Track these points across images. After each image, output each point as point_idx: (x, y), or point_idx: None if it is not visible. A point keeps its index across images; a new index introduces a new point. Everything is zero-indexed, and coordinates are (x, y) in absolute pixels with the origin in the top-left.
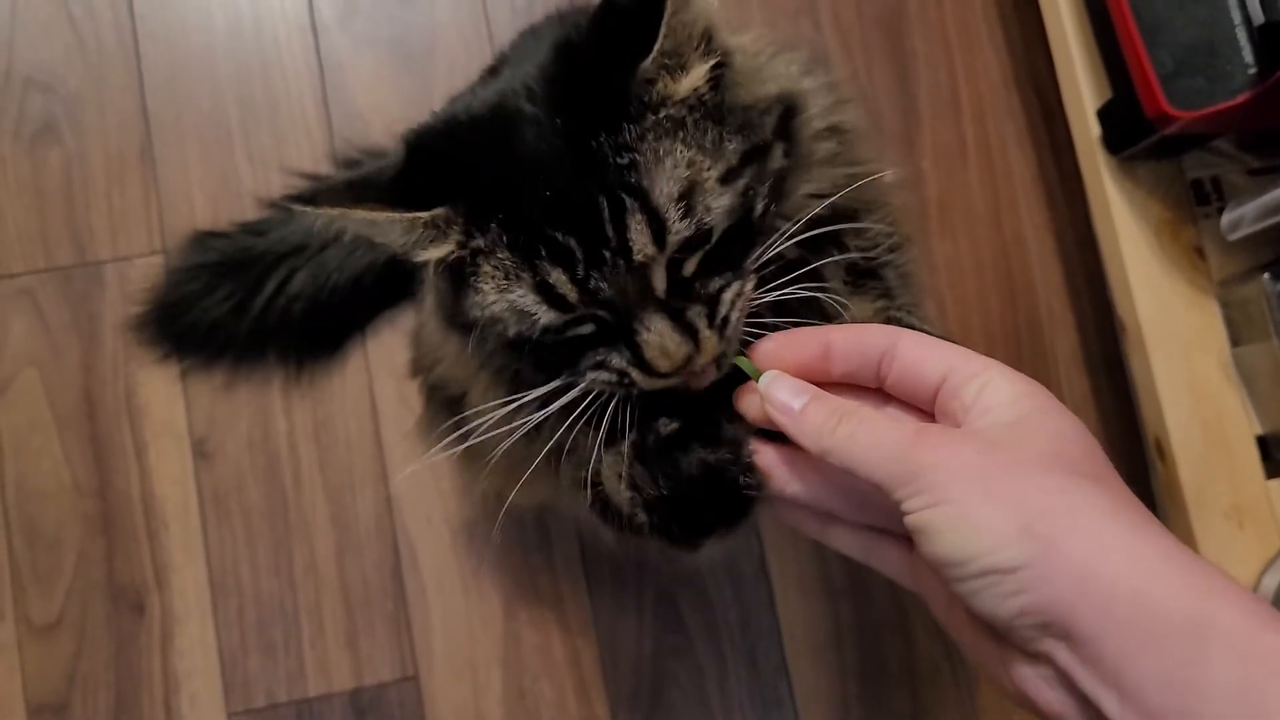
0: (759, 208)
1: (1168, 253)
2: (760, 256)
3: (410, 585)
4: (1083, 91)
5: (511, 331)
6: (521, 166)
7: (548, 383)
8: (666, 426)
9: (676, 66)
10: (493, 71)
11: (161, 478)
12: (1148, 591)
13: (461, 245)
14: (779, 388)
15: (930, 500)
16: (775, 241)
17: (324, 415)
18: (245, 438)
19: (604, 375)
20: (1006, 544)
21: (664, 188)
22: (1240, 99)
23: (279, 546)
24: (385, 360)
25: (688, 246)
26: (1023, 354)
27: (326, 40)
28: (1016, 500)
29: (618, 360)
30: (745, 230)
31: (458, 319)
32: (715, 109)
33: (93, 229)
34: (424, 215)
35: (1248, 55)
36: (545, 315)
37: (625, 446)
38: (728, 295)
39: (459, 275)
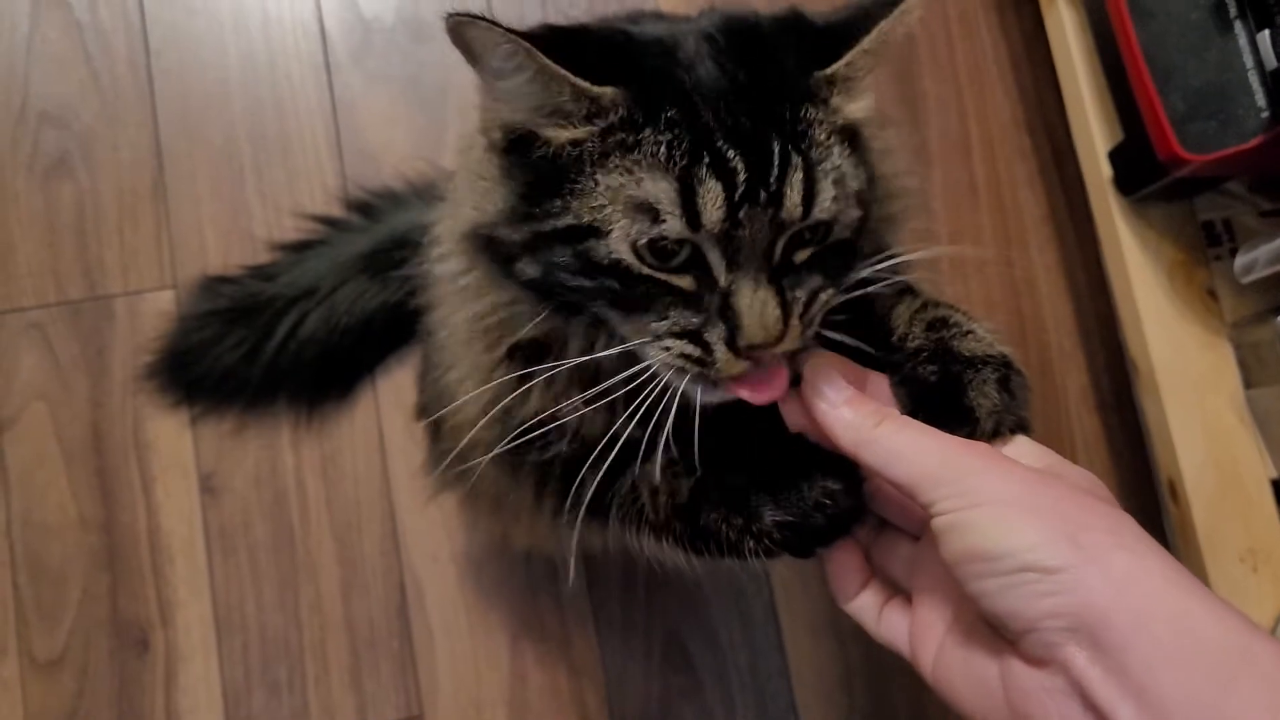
0: (861, 235)
1: (1180, 294)
2: (852, 283)
3: (416, 624)
4: (1094, 133)
5: (610, 240)
6: (700, 86)
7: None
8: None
9: (849, 90)
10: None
11: (168, 513)
12: (1189, 614)
13: (603, 134)
14: (824, 376)
15: (971, 501)
16: (859, 278)
17: (332, 450)
18: (252, 473)
19: (683, 346)
20: (1049, 545)
21: (826, 167)
22: (1253, 143)
23: (285, 583)
24: (394, 395)
25: (815, 232)
26: (1033, 393)
27: (340, 78)
28: (1062, 513)
29: (710, 333)
30: (848, 251)
31: (528, 223)
32: (858, 139)
33: (104, 263)
34: (596, 90)
35: (1260, 99)
36: (673, 223)
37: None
38: (823, 296)
39: (559, 172)
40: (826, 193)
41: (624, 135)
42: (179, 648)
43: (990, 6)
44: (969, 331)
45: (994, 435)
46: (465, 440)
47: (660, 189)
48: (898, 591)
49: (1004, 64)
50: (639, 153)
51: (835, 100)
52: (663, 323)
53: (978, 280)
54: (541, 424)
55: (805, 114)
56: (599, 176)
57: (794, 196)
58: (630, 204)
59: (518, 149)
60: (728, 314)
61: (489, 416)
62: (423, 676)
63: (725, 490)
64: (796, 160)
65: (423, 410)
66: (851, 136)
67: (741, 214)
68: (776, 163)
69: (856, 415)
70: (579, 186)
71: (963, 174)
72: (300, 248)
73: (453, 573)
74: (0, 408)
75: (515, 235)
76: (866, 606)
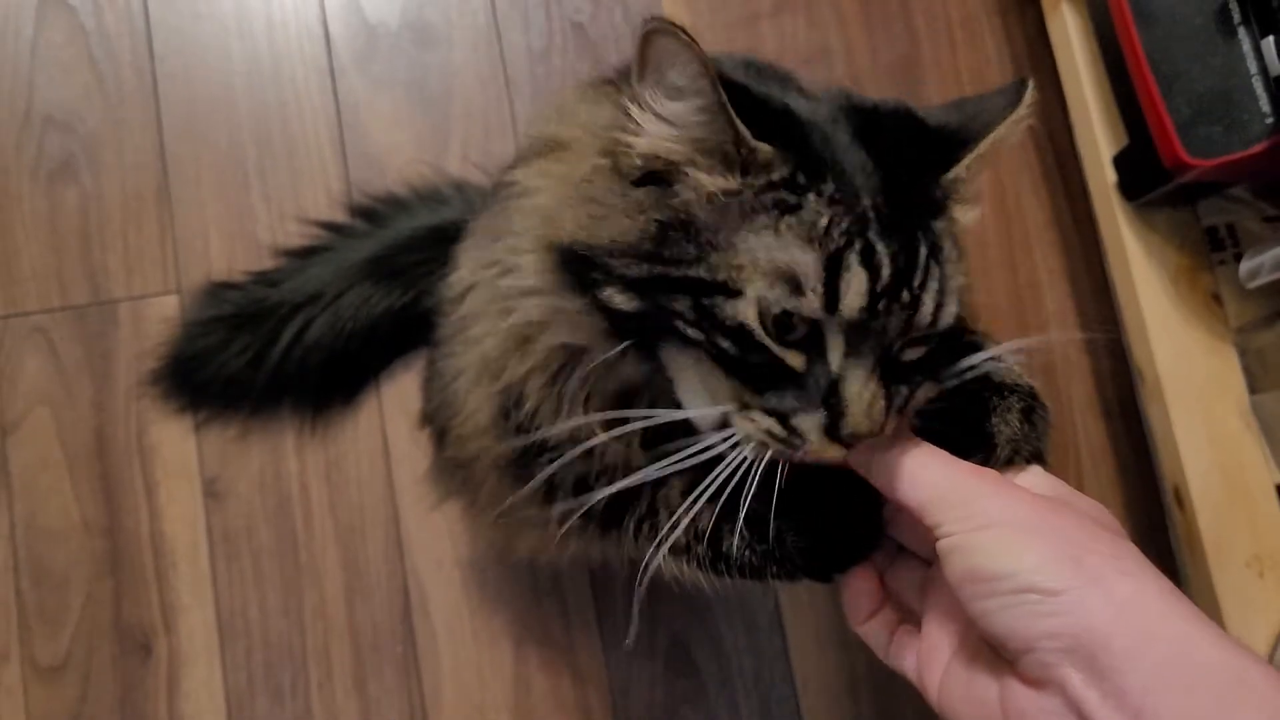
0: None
1: (1185, 300)
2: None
3: (420, 629)
4: (1098, 138)
5: (741, 303)
6: (860, 171)
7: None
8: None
9: (963, 197)
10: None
11: (171, 518)
12: (1189, 638)
13: (760, 190)
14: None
15: (979, 524)
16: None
17: (335, 455)
18: (256, 478)
19: (770, 424)
20: (1052, 567)
21: (953, 282)
22: (1257, 148)
23: (288, 588)
24: (398, 401)
25: (930, 336)
26: (1053, 427)
27: (344, 82)
28: (1066, 536)
29: (802, 419)
30: (948, 347)
31: (651, 263)
32: (959, 240)
33: (108, 267)
34: (757, 144)
35: (1265, 105)
36: (812, 300)
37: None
38: (920, 392)
39: (692, 219)
40: (951, 306)
41: (784, 195)
42: (182, 653)
43: (993, 10)
44: (999, 359)
45: (1008, 463)
46: (471, 449)
47: (808, 261)
48: (909, 617)
49: (1007, 68)
50: (796, 217)
51: (954, 209)
52: (756, 396)
53: (981, 285)
54: (563, 443)
55: (938, 223)
56: (745, 232)
57: (929, 305)
58: (772, 269)
59: (652, 182)
60: (832, 401)
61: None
62: (426, 682)
63: (747, 517)
64: (936, 271)
65: (427, 418)
66: (956, 239)
67: (880, 306)
68: (921, 266)
69: (888, 462)
70: (719, 239)
71: None
72: (305, 254)
73: (457, 578)
74: (4, 412)
75: (629, 271)
76: (878, 631)
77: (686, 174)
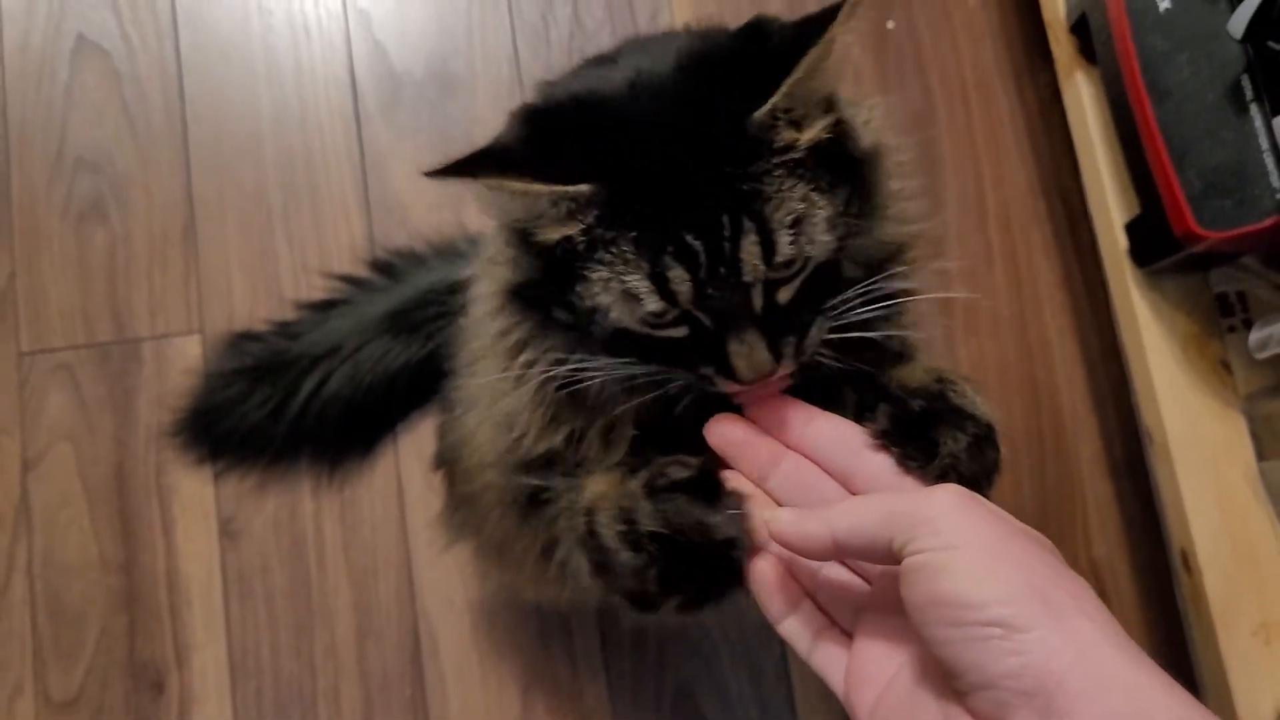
0: (845, 252)
1: (1194, 366)
2: (842, 303)
3: (429, 671)
4: (1110, 204)
5: (611, 317)
6: (657, 166)
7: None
8: (679, 472)
9: (795, 120)
10: (603, 60)
11: (187, 555)
12: (1142, 688)
13: (586, 230)
14: (780, 518)
15: (948, 543)
16: (856, 292)
17: (350, 498)
18: (272, 518)
19: (688, 377)
20: (1022, 601)
21: (780, 217)
22: (1267, 222)
23: (300, 628)
24: (413, 445)
25: (787, 272)
26: (1045, 457)
27: (369, 129)
28: (1031, 567)
29: (705, 368)
30: (833, 272)
31: (548, 300)
32: (830, 155)
33: (133, 306)
34: (571, 190)
35: (1275, 180)
36: (652, 303)
37: (635, 485)
38: (814, 328)
39: (563, 259)
40: (784, 241)
41: (603, 231)
42: (193, 691)
43: (1008, 74)
44: (968, 396)
45: (940, 477)
46: (478, 483)
47: (636, 280)
48: (836, 624)
49: (1020, 131)
50: (616, 248)
51: (785, 134)
52: (670, 360)
53: (992, 343)
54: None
55: (753, 167)
56: (587, 268)
57: (750, 260)
58: (618, 292)
59: (522, 238)
60: (721, 358)
61: (514, 439)
62: None
63: (638, 536)
64: (749, 225)
65: (440, 459)
66: (824, 154)
67: (709, 289)
68: (728, 235)
69: (816, 516)
70: (580, 273)
71: (979, 237)
72: (325, 307)
73: (467, 621)
74: (26, 447)
75: (540, 294)
76: (799, 631)
77: (534, 234)
